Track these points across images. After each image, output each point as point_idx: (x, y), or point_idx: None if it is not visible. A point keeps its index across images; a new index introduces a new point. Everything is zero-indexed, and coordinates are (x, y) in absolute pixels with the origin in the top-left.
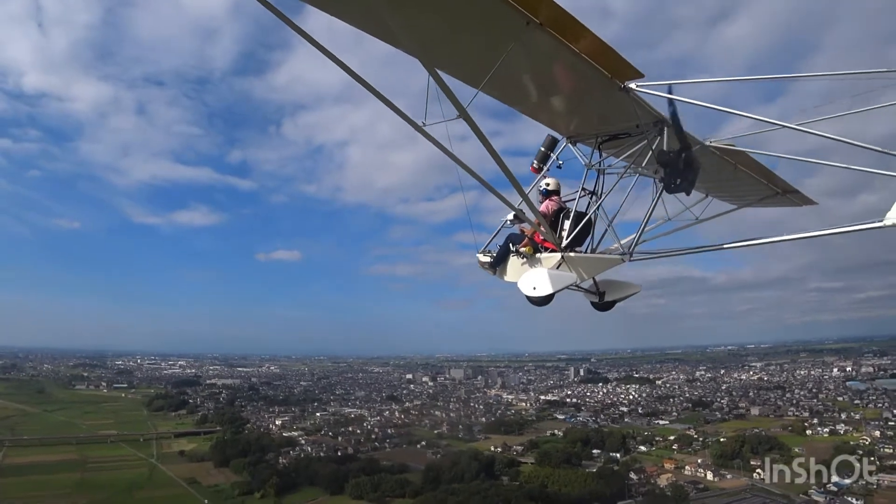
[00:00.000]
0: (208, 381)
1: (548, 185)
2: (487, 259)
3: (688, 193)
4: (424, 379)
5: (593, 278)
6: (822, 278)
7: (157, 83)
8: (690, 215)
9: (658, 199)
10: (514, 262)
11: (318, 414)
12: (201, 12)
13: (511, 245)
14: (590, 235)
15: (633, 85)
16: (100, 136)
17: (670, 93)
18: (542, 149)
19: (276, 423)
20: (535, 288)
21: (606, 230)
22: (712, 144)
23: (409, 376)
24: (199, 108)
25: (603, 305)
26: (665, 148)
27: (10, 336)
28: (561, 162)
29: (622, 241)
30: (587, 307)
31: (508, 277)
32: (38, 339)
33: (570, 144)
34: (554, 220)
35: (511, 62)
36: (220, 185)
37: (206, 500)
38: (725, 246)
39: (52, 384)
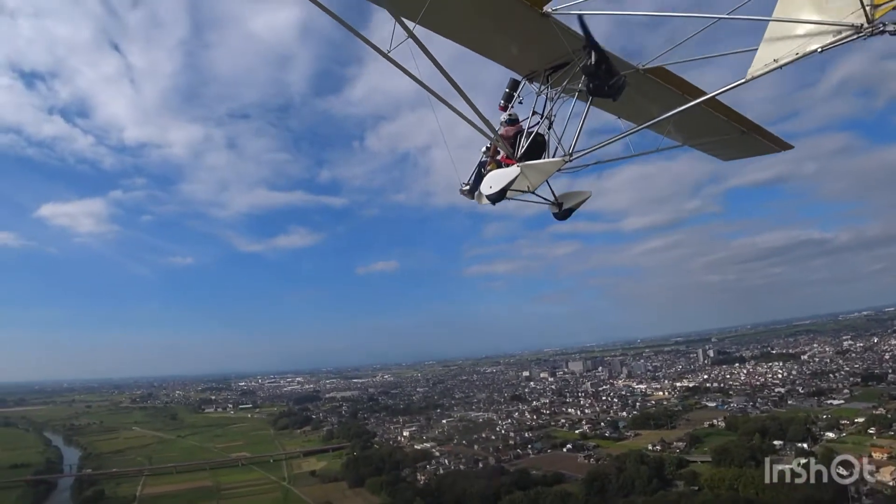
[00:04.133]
0: (327, 395)
1: (510, 115)
2: (468, 187)
3: (614, 99)
4: (543, 375)
5: (552, 191)
6: None
7: (242, 116)
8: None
9: (589, 106)
10: None
11: (444, 421)
12: (273, 40)
13: (482, 169)
14: (545, 152)
15: (549, 9)
16: (198, 175)
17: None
18: (507, 90)
19: (404, 434)
20: (491, 187)
21: (557, 147)
22: (645, 68)
23: (526, 373)
24: (284, 134)
25: (562, 214)
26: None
27: (146, 368)
28: (522, 98)
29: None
30: (698, 286)
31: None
32: (169, 368)
33: (527, 82)
34: (514, 142)
35: None
36: (314, 206)
37: None
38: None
39: (184, 409)
